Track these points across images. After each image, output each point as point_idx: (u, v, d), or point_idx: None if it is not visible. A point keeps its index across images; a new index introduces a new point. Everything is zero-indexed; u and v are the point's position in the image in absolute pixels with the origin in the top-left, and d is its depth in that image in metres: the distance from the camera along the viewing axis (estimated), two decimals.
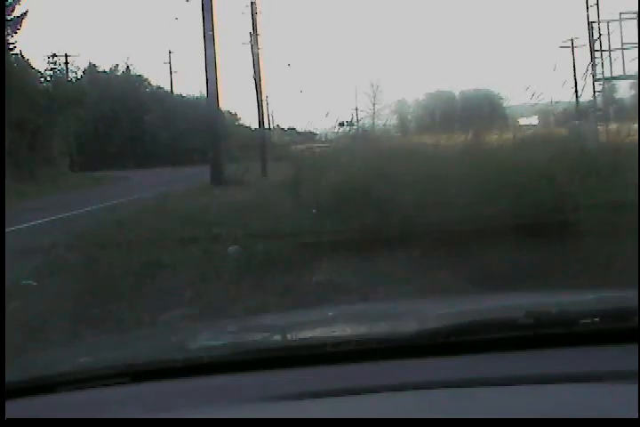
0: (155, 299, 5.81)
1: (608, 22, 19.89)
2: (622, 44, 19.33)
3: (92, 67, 50.11)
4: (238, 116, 56.49)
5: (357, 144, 15.06)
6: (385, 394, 1.29)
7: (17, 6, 29.91)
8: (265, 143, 31.14)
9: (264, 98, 35.30)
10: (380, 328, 1.82)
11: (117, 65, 53.58)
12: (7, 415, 1.34)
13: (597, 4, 20.15)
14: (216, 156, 22.61)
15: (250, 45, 31.46)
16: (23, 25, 30.32)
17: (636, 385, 1.19)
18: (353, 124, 17.84)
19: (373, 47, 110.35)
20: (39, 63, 40.39)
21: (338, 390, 1.31)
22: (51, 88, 33.25)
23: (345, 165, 10.52)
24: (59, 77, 36.94)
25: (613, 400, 1.21)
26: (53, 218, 15.33)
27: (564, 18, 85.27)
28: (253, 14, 31.96)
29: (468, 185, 7.60)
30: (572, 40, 40.54)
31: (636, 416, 1.10)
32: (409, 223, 7.12)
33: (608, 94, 21.59)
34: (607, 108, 20.43)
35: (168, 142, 45.33)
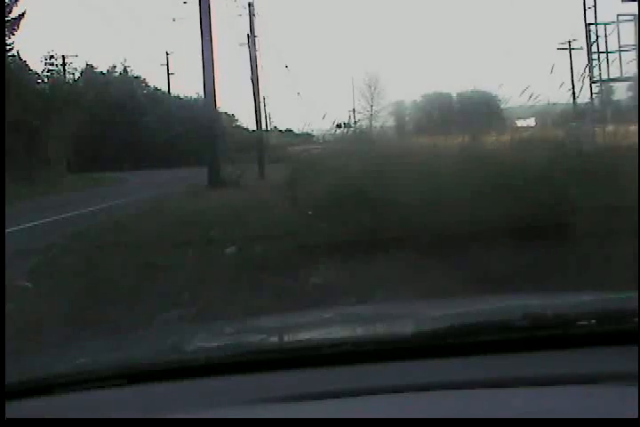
0: (152, 300, 5.80)
1: (605, 24, 19.92)
2: (620, 45, 19.36)
3: (90, 68, 50.03)
4: (236, 118, 56.51)
5: (354, 146, 15.08)
6: (382, 396, 1.29)
7: (14, 7, 29.89)
8: (262, 145, 31.14)
9: (261, 99, 35.37)
10: (378, 330, 1.82)
11: (115, 66, 53.59)
12: (7, 416, 1.34)
13: (595, 6, 20.18)
14: (213, 157, 22.59)
15: (247, 47, 31.48)
16: (21, 26, 30.30)
17: (636, 387, 1.18)
18: (350, 126, 17.84)
19: (371, 49, 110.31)
20: (36, 64, 40.46)
21: (335, 392, 1.31)
22: (48, 89, 33.22)
23: (342, 167, 10.53)
24: (56, 78, 36.86)
25: (613, 401, 1.21)
26: (51, 219, 15.32)
27: (562, 20, 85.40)
28: (251, 16, 31.99)
29: (466, 187, 7.61)
30: (569, 42, 40.59)
31: (636, 417, 1.10)
32: (406, 225, 7.12)
33: (605, 96, 21.60)
34: (605, 109, 20.43)
35: (166, 144, 45.29)
